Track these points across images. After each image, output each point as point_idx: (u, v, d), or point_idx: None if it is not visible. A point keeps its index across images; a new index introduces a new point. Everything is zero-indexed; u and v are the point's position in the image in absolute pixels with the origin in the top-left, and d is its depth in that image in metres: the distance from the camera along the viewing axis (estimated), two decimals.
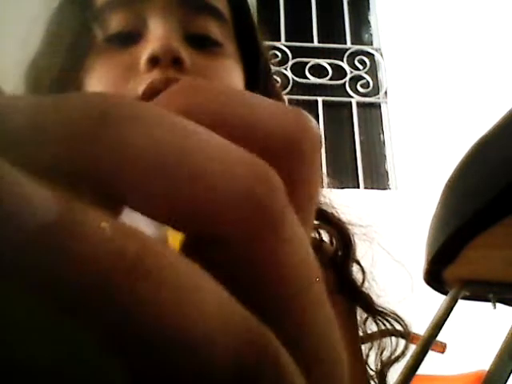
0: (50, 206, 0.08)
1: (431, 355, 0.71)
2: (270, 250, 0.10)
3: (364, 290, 0.52)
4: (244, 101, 0.12)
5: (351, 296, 0.51)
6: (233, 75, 0.45)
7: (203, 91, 0.12)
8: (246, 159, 0.10)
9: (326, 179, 0.58)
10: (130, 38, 0.42)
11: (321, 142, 0.13)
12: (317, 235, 0.52)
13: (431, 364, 0.77)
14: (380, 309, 0.53)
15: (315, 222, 0.52)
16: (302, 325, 0.10)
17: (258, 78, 0.49)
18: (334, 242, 0.53)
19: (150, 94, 0.39)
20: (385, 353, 0.55)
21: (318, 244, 0.51)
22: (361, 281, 0.53)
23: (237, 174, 0.10)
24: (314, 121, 0.13)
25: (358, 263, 0.53)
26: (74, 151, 0.09)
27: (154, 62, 0.40)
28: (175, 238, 0.13)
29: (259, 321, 0.09)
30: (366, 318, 0.52)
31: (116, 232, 0.08)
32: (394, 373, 0.67)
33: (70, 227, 0.08)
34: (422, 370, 0.69)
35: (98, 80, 0.42)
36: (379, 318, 0.53)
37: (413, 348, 0.70)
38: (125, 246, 0.08)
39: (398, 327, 0.54)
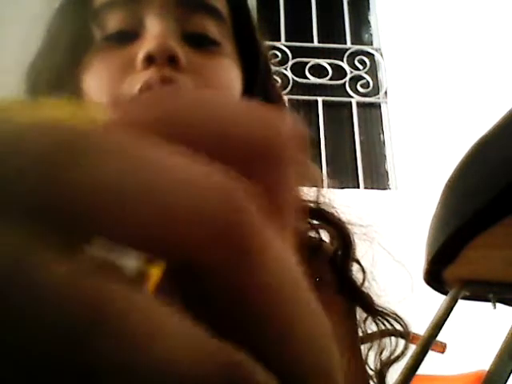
0: (8, 250, 0.08)
1: (431, 355, 0.71)
2: (245, 274, 0.10)
3: (364, 289, 0.52)
4: (218, 106, 0.12)
5: (351, 296, 0.51)
6: (230, 74, 0.45)
7: (176, 98, 0.12)
8: (213, 183, 0.10)
9: (325, 179, 0.58)
10: (128, 36, 0.42)
11: (301, 142, 0.13)
12: (316, 235, 0.52)
13: (431, 364, 0.77)
14: (380, 309, 0.53)
15: (315, 222, 0.52)
16: (291, 344, 0.10)
17: (256, 78, 0.49)
18: (334, 242, 0.53)
19: (146, 92, 0.39)
20: (384, 353, 0.55)
21: (317, 244, 0.51)
22: (361, 280, 0.53)
23: (202, 199, 0.10)
24: (294, 120, 0.13)
25: (359, 263, 0.53)
26: (44, 179, 0.09)
27: (149, 60, 0.40)
28: (154, 270, 0.13)
29: (234, 349, 0.09)
30: (366, 318, 0.52)
31: (74, 276, 0.08)
32: (394, 373, 0.67)
33: (28, 272, 0.08)
34: (422, 370, 0.69)
35: (95, 78, 0.42)
36: (379, 318, 0.53)
37: (413, 348, 0.70)
38: (82, 291, 0.08)
39: (398, 327, 0.54)
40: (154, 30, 0.41)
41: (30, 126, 0.09)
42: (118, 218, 0.09)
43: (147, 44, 0.40)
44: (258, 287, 0.10)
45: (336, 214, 0.53)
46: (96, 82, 0.42)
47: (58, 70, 0.44)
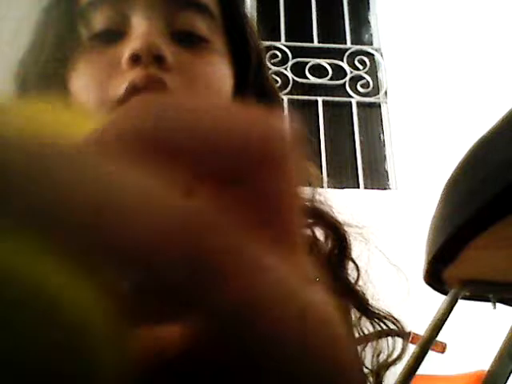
0: None
1: (431, 355, 0.71)
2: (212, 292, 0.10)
3: (358, 289, 0.51)
4: (206, 111, 0.12)
5: (345, 296, 0.50)
6: (220, 71, 0.44)
7: (162, 106, 0.12)
8: (168, 203, 0.10)
9: (325, 179, 0.58)
10: (114, 36, 0.41)
11: (293, 143, 0.13)
12: (310, 234, 0.52)
13: (431, 364, 0.77)
14: (375, 310, 0.52)
15: (310, 221, 0.52)
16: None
17: (248, 74, 0.48)
18: (329, 242, 0.51)
19: (132, 92, 0.38)
20: (381, 356, 0.54)
21: (312, 242, 0.51)
22: (355, 278, 0.52)
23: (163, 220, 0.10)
24: (282, 121, 0.13)
25: (353, 262, 0.52)
26: None
27: (135, 59, 0.39)
28: None
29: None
30: (360, 318, 0.52)
31: None
32: (394, 373, 0.67)
33: None
34: (422, 369, 0.69)
35: (81, 79, 0.41)
36: (375, 319, 0.52)
37: (413, 348, 0.70)
38: None
39: (394, 328, 0.54)
40: (140, 29, 0.40)
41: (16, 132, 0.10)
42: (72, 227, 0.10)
43: (133, 43, 0.39)
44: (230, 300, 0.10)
45: (331, 212, 0.52)
46: (82, 82, 0.41)
47: (45, 70, 0.44)
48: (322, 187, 0.54)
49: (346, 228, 0.52)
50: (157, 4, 0.42)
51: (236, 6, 0.49)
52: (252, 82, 0.48)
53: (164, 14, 0.42)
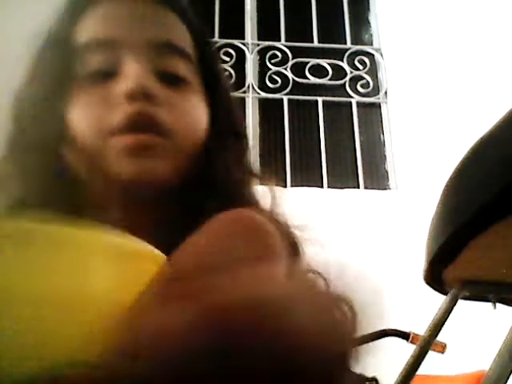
0: None
1: (431, 355, 0.71)
2: None
3: None
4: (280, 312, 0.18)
5: None
6: (199, 109, 0.50)
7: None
8: None
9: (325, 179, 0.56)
10: (108, 74, 0.47)
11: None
12: None
13: (431, 364, 0.77)
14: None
15: None
16: None
17: (219, 111, 0.53)
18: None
19: (127, 123, 0.44)
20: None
21: None
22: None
23: None
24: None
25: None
26: None
27: (129, 97, 0.45)
28: None
29: None
30: None
31: None
32: (394, 373, 0.67)
33: None
34: (422, 369, 0.69)
35: (79, 111, 0.46)
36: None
37: (413, 348, 0.70)
38: None
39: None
40: (133, 71, 0.46)
41: None
42: None
43: (127, 83, 0.46)
44: None
45: (282, 217, 0.49)
46: (80, 114, 0.46)
47: (41, 102, 0.48)
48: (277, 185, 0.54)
49: (296, 231, 0.48)
50: (145, 49, 0.48)
51: (210, 54, 0.56)
52: (223, 120, 0.53)
53: (152, 58, 0.48)
